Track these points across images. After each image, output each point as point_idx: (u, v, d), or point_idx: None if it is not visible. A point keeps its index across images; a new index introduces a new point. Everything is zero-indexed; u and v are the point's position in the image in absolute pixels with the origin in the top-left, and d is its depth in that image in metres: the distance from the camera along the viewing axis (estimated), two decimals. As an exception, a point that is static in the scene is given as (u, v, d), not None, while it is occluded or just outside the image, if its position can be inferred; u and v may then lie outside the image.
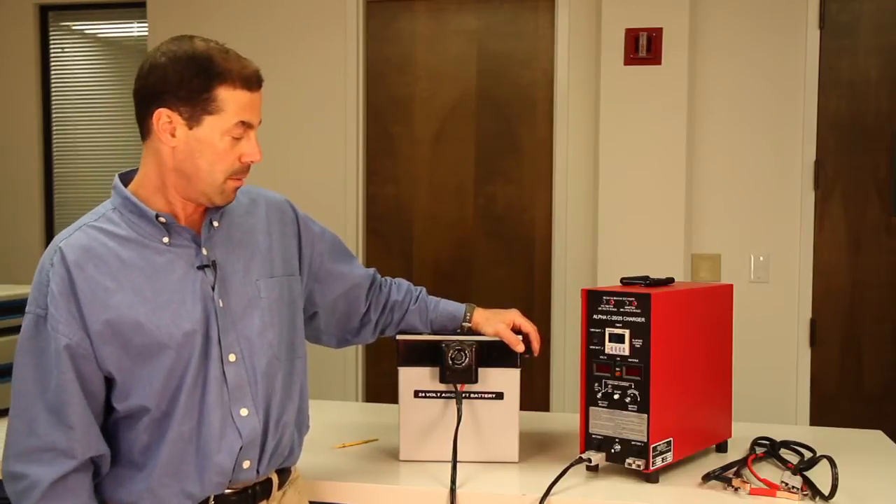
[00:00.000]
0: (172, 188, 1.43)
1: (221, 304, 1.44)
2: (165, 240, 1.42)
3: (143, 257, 1.40)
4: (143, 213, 1.42)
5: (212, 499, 1.44)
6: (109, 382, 1.40)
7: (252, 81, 1.41)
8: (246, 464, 1.45)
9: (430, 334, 1.84)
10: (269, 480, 1.52)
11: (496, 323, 1.81)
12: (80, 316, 1.36)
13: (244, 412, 1.44)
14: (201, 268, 1.44)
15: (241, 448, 1.43)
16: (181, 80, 1.36)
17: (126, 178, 1.47)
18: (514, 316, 1.83)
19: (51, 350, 1.35)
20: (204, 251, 1.45)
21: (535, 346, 1.82)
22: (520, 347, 1.79)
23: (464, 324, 1.85)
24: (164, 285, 1.40)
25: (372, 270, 1.86)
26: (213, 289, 1.44)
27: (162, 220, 1.41)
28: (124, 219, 1.42)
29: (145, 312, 1.38)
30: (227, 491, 1.45)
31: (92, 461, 1.39)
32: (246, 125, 1.41)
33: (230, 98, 1.38)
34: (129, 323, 1.37)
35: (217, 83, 1.37)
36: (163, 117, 1.37)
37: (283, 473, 1.56)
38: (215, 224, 1.48)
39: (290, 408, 1.53)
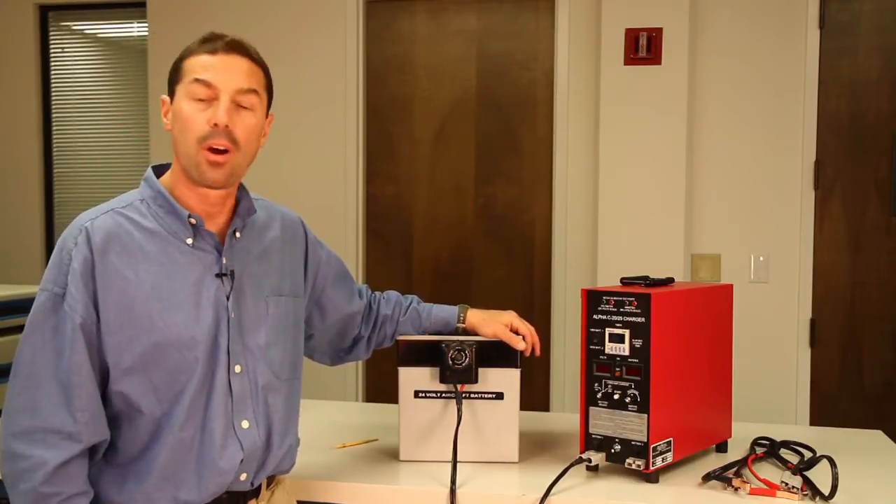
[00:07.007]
0: (183, 175, 1.42)
1: (234, 315, 1.43)
2: (189, 240, 1.41)
3: (166, 253, 1.39)
4: (174, 210, 1.41)
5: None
6: (106, 375, 1.37)
7: (215, 44, 1.41)
8: (243, 476, 1.44)
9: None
10: None
11: (494, 324, 1.81)
12: (95, 300, 1.34)
13: (245, 424, 1.43)
14: (219, 276, 1.43)
15: (241, 461, 1.42)
16: (171, 68, 1.45)
17: (157, 172, 1.47)
18: (512, 318, 1.83)
19: (66, 330, 1.33)
20: (224, 260, 1.44)
21: (536, 346, 1.82)
22: (521, 345, 1.79)
23: (458, 325, 1.85)
24: (181, 285, 1.39)
25: (367, 292, 1.85)
26: (227, 298, 1.43)
27: (192, 220, 1.41)
28: (151, 211, 1.42)
29: (159, 309, 1.36)
30: None
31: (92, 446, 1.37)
32: (203, 83, 1.38)
33: (191, 62, 1.41)
34: (141, 316, 1.35)
35: (184, 57, 1.43)
36: (163, 103, 1.45)
37: (270, 477, 1.55)
38: (238, 235, 1.48)
39: (292, 427, 1.54)
